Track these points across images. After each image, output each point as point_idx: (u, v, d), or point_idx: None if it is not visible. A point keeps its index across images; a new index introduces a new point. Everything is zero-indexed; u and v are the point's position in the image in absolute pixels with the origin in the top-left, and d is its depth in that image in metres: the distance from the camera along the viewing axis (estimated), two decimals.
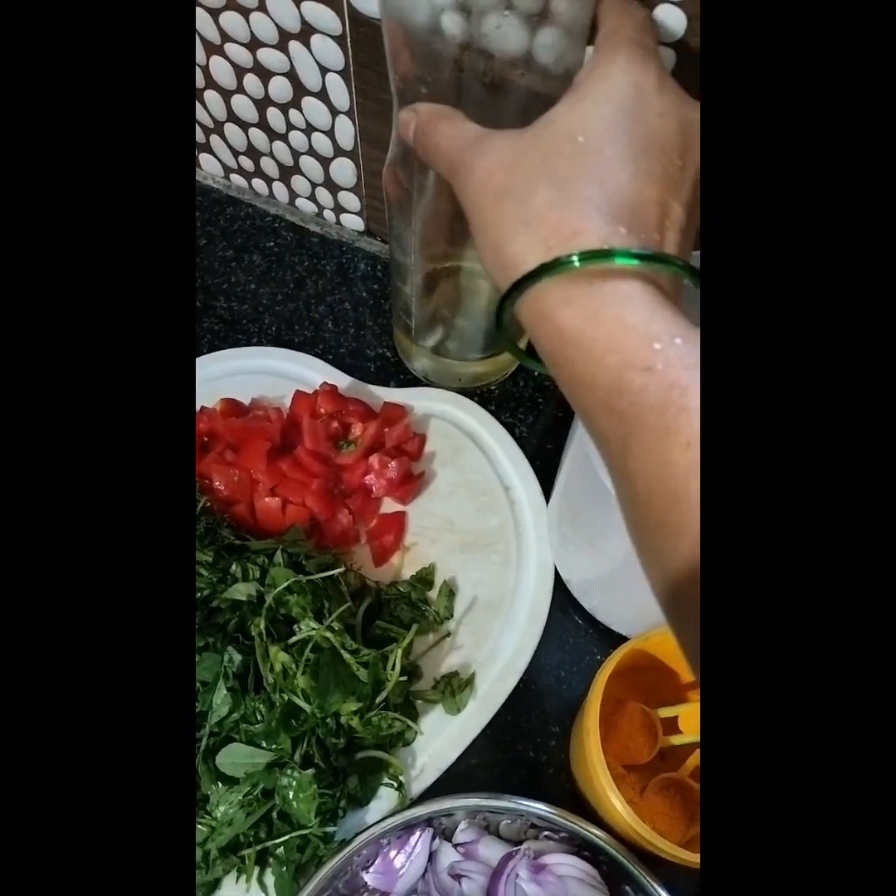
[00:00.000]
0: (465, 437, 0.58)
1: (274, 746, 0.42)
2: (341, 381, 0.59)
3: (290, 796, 0.41)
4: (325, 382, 0.57)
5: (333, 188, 0.63)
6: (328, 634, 0.44)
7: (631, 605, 0.51)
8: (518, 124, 0.43)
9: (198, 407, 0.56)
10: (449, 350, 0.59)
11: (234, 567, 0.46)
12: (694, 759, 0.45)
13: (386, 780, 0.46)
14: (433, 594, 0.52)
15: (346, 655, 0.45)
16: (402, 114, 0.36)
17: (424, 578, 0.53)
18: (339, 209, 0.66)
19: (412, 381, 0.61)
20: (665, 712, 0.46)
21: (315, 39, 0.52)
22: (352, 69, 0.53)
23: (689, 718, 0.46)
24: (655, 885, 0.41)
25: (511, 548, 0.54)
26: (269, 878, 0.44)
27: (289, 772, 0.41)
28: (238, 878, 0.43)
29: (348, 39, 0.51)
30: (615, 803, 0.41)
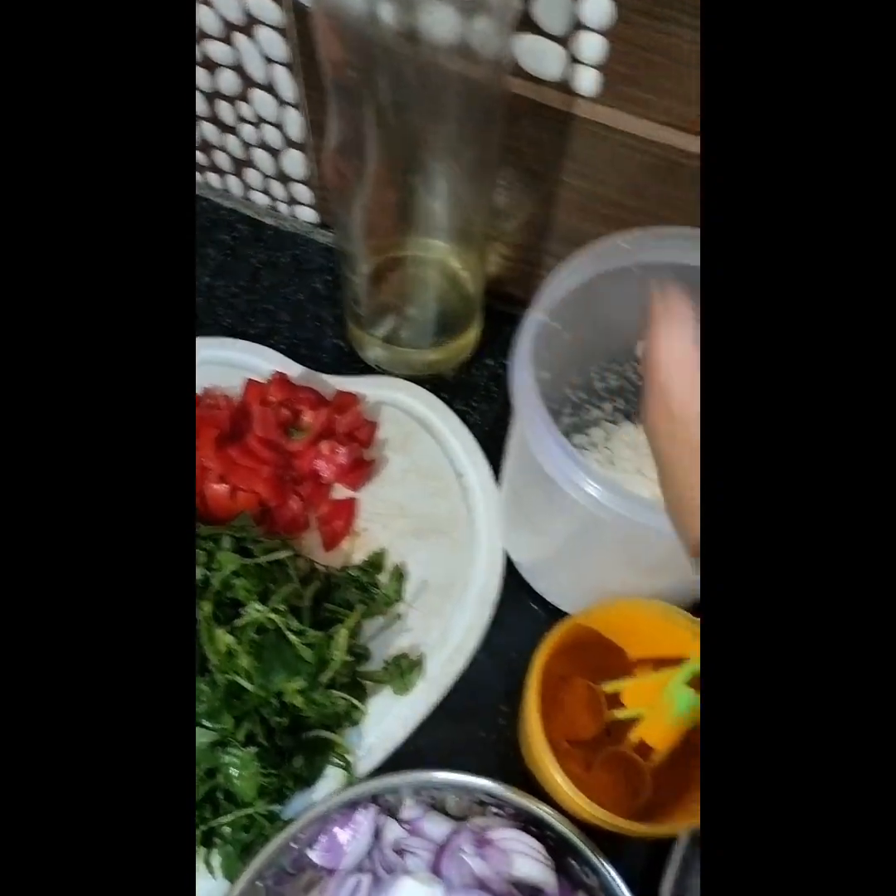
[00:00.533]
0: (417, 425, 0.59)
1: (217, 726, 0.42)
2: (294, 370, 0.60)
3: (233, 774, 0.42)
4: (276, 371, 0.57)
5: (285, 180, 0.64)
6: (273, 616, 0.45)
7: (576, 584, 0.51)
8: (453, 111, 0.44)
9: None
10: (400, 339, 0.59)
11: None
12: (636, 733, 0.46)
13: (333, 760, 0.47)
14: (383, 578, 0.53)
15: (292, 636, 0.45)
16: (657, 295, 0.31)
17: (375, 563, 0.53)
18: (292, 202, 0.66)
19: (366, 370, 0.62)
20: (609, 687, 0.47)
21: (260, 31, 0.53)
22: (298, 61, 0.54)
23: (632, 693, 0.47)
24: (600, 858, 0.42)
25: (462, 533, 0.55)
26: (216, 859, 0.44)
27: (231, 750, 0.42)
28: None
29: (292, 31, 0.52)
30: (557, 779, 0.41)
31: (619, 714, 0.46)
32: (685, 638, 0.45)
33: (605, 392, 0.55)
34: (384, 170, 0.47)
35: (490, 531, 0.55)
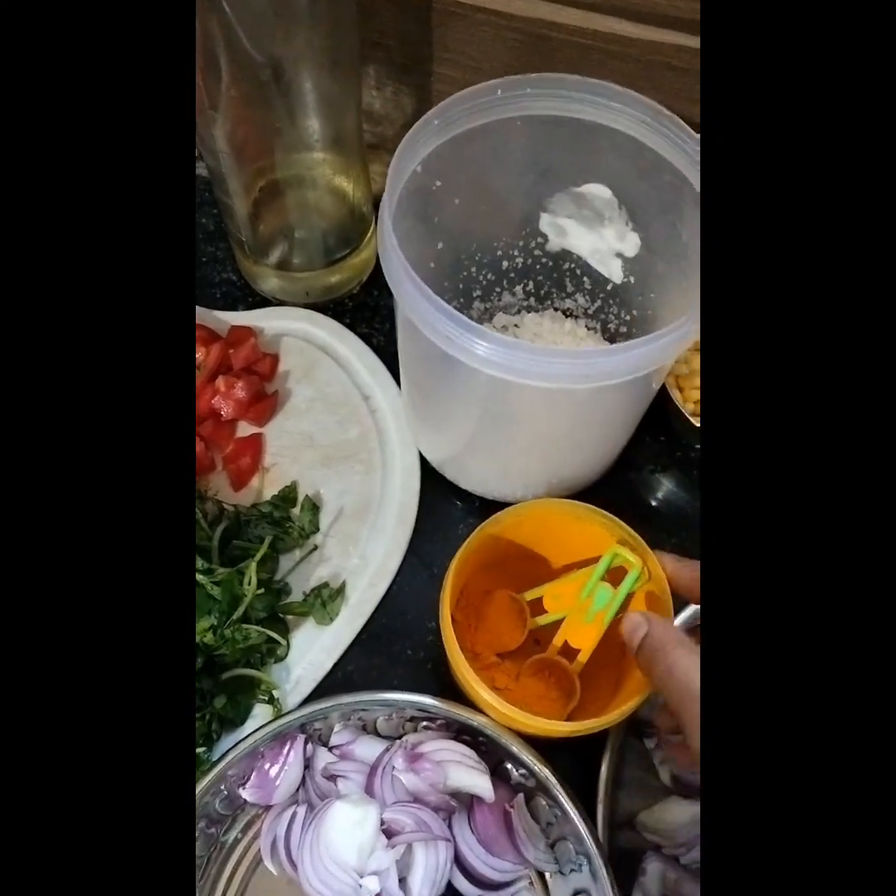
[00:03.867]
0: (319, 352, 0.57)
1: None
2: None
3: None
4: None
5: None
6: None
7: (486, 468, 0.51)
8: (301, 4, 0.41)
9: None
10: (293, 264, 0.57)
11: None
12: (560, 636, 0.45)
13: (259, 697, 0.46)
14: (297, 511, 0.51)
15: (200, 577, 0.44)
16: (633, 616, 0.37)
17: (286, 496, 0.51)
18: None
19: (262, 303, 0.59)
20: (530, 595, 0.47)
21: None
22: None
23: (552, 597, 0.46)
24: (532, 758, 0.42)
25: (374, 456, 0.54)
26: None
27: None
28: None
29: None
30: (483, 694, 0.40)
31: (542, 620, 0.46)
32: (598, 535, 0.44)
33: (515, 274, 0.53)
34: (240, 78, 0.44)
35: (403, 451, 0.54)
